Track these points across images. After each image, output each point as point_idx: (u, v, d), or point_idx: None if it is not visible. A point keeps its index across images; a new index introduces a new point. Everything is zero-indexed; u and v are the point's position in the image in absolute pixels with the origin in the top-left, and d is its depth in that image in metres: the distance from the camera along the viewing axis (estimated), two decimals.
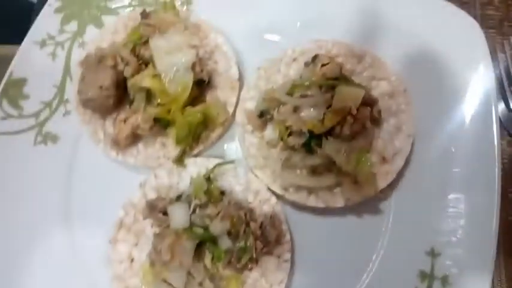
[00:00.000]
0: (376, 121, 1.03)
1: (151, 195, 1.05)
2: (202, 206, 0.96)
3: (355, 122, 0.96)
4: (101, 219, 1.05)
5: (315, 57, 1.02)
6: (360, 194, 0.99)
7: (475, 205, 0.99)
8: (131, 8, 1.23)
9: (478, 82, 1.07)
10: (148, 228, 1.03)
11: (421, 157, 1.04)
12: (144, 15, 1.06)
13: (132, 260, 1.03)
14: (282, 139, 1.00)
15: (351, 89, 0.96)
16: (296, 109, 0.97)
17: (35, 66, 1.19)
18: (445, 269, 0.96)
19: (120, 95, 1.07)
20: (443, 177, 1.02)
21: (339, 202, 1.02)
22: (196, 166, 1.07)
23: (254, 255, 0.94)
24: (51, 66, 1.20)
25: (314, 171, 1.01)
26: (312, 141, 0.97)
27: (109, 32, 1.18)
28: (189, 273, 0.92)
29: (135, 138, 1.08)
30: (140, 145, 1.10)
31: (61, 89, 1.19)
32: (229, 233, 0.94)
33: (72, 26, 1.22)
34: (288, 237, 1.00)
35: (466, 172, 1.02)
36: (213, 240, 0.93)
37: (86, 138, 1.14)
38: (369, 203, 1.03)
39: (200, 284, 0.92)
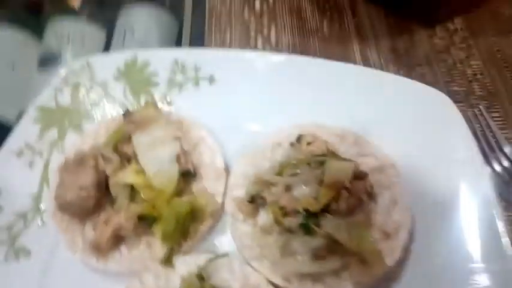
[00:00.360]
0: (370, 195, 1.00)
1: None
2: None
3: (350, 196, 0.92)
4: None
5: (299, 138, 1.03)
6: (369, 274, 0.90)
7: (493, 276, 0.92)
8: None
9: (462, 154, 1.07)
10: None
11: (425, 229, 0.99)
12: (127, 114, 1.07)
13: None
14: (277, 222, 0.94)
15: (340, 163, 0.95)
16: (288, 188, 0.94)
17: (11, 176, 1.14)
18: None
19: (101, 196, 1.02)
20: (452, 249, 0.96)
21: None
22: (186, 265, 0.97)
23: None
24: (28, 175, 1.14)
25: (316, 255, 0.94)
26: (309, 221, 0.91)
27: (90, 137, 1.16)
28: None
29: (117, 240, 1.00)
30: (123, 248, 1.01)
31: (37, 198, 1.12)
32: None
33: (52, 133, 1.21)
34: None
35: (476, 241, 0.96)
36: None
37: (62, 249, 1.05)
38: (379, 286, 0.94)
39: None
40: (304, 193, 0.92)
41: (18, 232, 1.07)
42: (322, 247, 0.92)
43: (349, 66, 1.26)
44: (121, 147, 1.03)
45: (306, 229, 0.91)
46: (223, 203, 1.06)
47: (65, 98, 1.26)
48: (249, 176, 1.07)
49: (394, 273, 0.95)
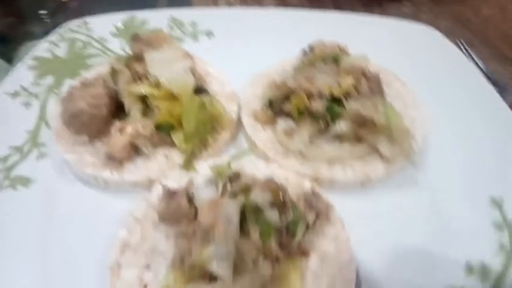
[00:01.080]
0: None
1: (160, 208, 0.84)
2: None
3: (368, 80, 0.95)
4: (90, 260, 0.82)
5: (311, 46, 1.06)
6: (400, 151, 0.90)
7: None
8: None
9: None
10: (162, 244, 0.79)
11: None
12: (136, 36, 1.06)
13: (145, 286, 0.75)
14: (299, 112, 0.93)
15: (354, 58, 0.99)
16: (309, 79, 0.95)
17: (5, 114, 1.06)
18: None
19: (112, 109, 0.96)
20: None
21: (379, 169, 0.91)
22: (209, 170, 0.91)
23: (308, 227, 0.76)
24: (24, 114, 1.07)
25: (343, 141, 0.93)
26: (334, 106, 0.92)
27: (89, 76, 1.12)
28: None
29: (133, 150, 0.93)
30: (139, 160, 0.94)
31: (34, 133, 1.03)
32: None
33: (48, 80, 1.16)
34: (336, 215, 0.83)
35: None
36: (257, 214, 0.74)
37: (67, 176, 0.96)
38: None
39: (252, 266, 0.67)
40: (326, 81, 0.93)
41: (13, 164, 0.97)
42: (349, 131, 0.92)
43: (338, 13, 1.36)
44: (132, 65, 1.01)
45: (332, 113, 0.91)
46: (238, 121, 1.04)
47: (62, 50, 1.23)
48: (259, 95, 1.08)
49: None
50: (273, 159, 0.94)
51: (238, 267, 0.67)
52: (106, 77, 1.01)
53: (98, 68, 1.15)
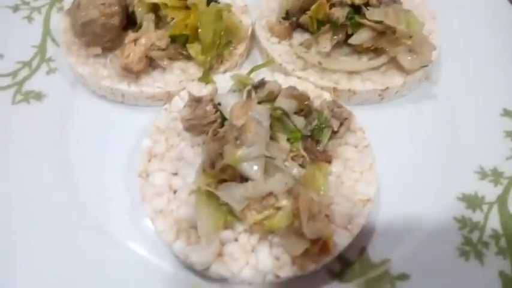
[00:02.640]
0: None
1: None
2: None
3: None
4: (111, 170, 0.84)
5: None
6: (419, 61, 0.90)
7: None
8: None
9: None
10: (188, 151, 0.80)
11: None
12: None
13: (175, 192, 0.76)
14: (319, 21, 0.91)
15: None
16: None
17: (8, 28, 1.01)
18: None
19: (123, 19, 0.93)
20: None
21: (397, 80, 0.92)
22: (227, 82, 0.90)
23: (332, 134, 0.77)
24: (27, 29, 1.03)
25: (363, 53, 0.93)
26: (355, 15, 0.89)
27: None
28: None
29: (149, 62, 0.91)
30: (155, 73, 0.93)
31: (41, 48, 1.00)
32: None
33: None
34: (356, 123, 0.84)
35: None
36: (283, 120, 0.74)
37: (80, 90, 0.95)
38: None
39: (282, 166, 0.69)
40: None
41: (23, 79, 0.95)
42: (369, 41, 0.90)
43: None
44: None
45: (353, 22, 0.89)
46: (251, 35, 1.02)
47: None
48: (273, 8, 1.04)
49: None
50: (291, 72, 0.93)
51: (268, 169, 0.69)
52: None
53: None
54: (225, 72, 0.95)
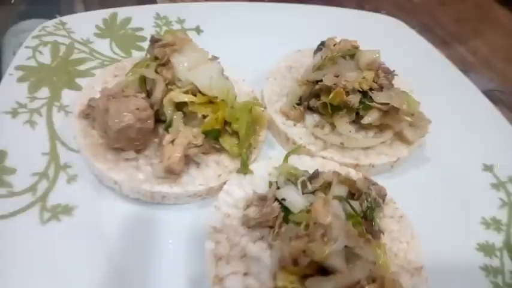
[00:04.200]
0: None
1: (232, 212, 0.86)
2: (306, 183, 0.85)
3: (384, 72, 1.07)
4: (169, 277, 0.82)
5: (322, 43, 1.14)
6: (420, 133, 1.06)
7: None
8: (104, 67, 1.12)
9: None
10: (251, 247, 0.82)
11: None
12: (155, 39, 1.00)
13: None
14: (334, 106, 1.01)
15: (368, 51, 1.09)
16: (337, 75, 1.03)
17: (12, 136, 0.92)
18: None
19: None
20: None
21: (403, 151, 1.06)
22: (263, 169, 0.95)
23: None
24: (32, 135, 0.95)
25: (373, 131, 1.05)
26: (364, 100, 1.02)
27: (95, 86, 1.03)
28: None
29: (186, 161, 0.91)
30: (191, 170, 0.93)
31: (53, 154, 0.93)
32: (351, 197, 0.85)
33: (44, 92, 1.03)
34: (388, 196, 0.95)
35: None
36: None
37: (108, 194, 0.90)
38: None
39: (359, 253, 0.76)
40: (352, 77, 1.02)
41: (45, 192, 0.87)
42: (377, 120, 1.03)
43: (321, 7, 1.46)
44: (161, 71, 0.96)
45: (365, 105, 1.02)
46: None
47: (45, 57, 1.09)
48: (279, 92, 1.13)
49: None
50: (314, 153, 1.01)
51: (348, 258, 0.75)
52: (133, 84, 0.95)
53: (101, 75, 1.06)
54: (254, 159, 0.99)
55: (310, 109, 1.09)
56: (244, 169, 0.94)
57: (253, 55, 1.22)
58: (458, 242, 0.96)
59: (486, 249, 0.96)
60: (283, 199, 0.81)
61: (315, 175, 0.85)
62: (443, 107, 1.21)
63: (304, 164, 0.97)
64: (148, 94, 0.95)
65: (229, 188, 0.91)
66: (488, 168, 1.12)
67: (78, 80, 1.08)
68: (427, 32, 1.59)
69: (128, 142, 0.88)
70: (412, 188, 1.05)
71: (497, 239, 0.98)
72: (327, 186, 0.84)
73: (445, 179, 1.08)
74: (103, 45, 1.18)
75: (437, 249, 0.92)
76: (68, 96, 1.04)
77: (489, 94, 1.34)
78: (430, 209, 1.01)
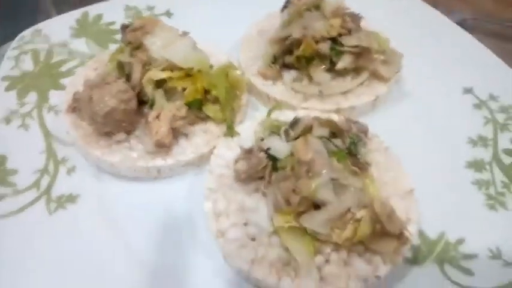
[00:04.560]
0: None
1: (226, 172, 0.91)
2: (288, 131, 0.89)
3: (350, 17, 1.10)
4: (179, 242, 0.88)
5: (288, 0, 1.16)
6: (394, 69, 1.08)
7: None
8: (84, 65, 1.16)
9: None
10: (249, 200, 0.87)
11: None
12: (125, 26, 1.04)
13: (253, 239, 0.82)
14: (308, 57, 1.04)
15: (332, 1, 1.11)
16: (305, 28, 1.06)
17: (8, 141, 0.98)
18: None
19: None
20: None
21: (382, 89, 1.09)
22: (249, 130, 0.99)
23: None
24: (27, 137, 1.00)
25: (347, 74, 1.09)
26: (335, 46, 1.05)
27: (78, 81, 1.07)
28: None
29: (174, 133, 0.96)
30: (181, 142, 0.98)
31: (50, 151, 0.98)
32: (333, 136, 0.89)
33: (32, 96, 1.08)
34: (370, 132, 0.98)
35: None
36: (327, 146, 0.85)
37: (108, 178, 0.96)
38: None
39: (346, 183, 0.80)
40: (320, 26, 1.05)
41: (48, 186, 0.92)
42: (351, 63, 1.06)
43: None
44: (136, 54, 1.00)
45: (336, 51, 1.04)
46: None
47: (27, 64, 1.14)
48: (254, 57, 1.16)
49: None
50: (296, 106, 1.05)
51: (336, 190, 0.79)
52: (113, 72, 1.00)
53: (83, 71, 1.10)
54: (240, 122, 1.03)
55: (286, 66, 1.12)
56: (230, 132, 0.98)
57: (225, 27, 1.27)
58: (447, 164, 1.00)
59: (475, 165, 1.00)
60: (269, 148, 0.85)
61: (295, 122, 0.88)
62: (416, 41, 1.24)
63: (288, 118, 1.00)
64: (128, 78, 0.99)
65: (219, 151, 0.95)
66: (468, 90, 1.14)
67: (62, 81, 1.13)
68: None
69: (116, 125, 0.93)
70: (395, 122, 1.08)
71: (485, 154, 1.02)
72: (308, 131, 0.88)
73: (427, 109, 1.11)
74: (80, 45, 1.22)
75: (426, 173, 0.96)
76: (55, 96, 1.09)
77: (462, 24, 1.36)
78: (415, 140, 1.04)
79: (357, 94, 1.08)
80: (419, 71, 1.17)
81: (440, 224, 0.90)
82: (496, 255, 0.85)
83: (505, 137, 1.04)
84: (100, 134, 0.96)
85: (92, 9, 1.29)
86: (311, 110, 1.04)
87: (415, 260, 0.85)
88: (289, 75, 1.11)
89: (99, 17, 1.28)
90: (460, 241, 0.87)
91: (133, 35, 1.02)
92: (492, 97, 1.12)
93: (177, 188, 0.95)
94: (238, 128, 1.00)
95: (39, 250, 0.83)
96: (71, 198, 0.91)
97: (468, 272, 0.83)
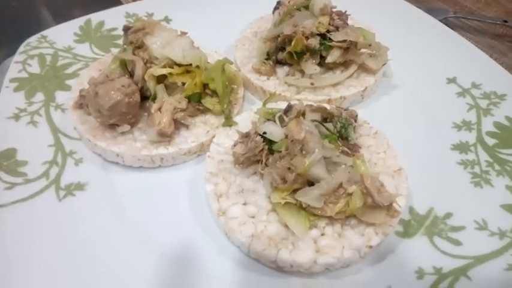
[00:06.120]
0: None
1: (225, 158, 0.96)
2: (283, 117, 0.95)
3: (338, 15, 1.17)
4: (184, 223, 0.92)
5: (278, 2, 1.24)
6: (381, 61, 1.15)
7: None
8: (88, 67, 1.23)
9: None
10: (246, 182, 0.92)
11: None
12: (127, 27, 1.11)
13: (253, 217, 0.87)
14: (299, 52, 1.11)
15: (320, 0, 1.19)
16: (295, 25, 1.13)
17: (18, 136, 1.03)
18: None
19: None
20: None
21: (370, 80, 1.16)
22: (246, 120, 1.05)
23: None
24: (36, 132, 1.05)
25: (337, 68, 1.15)
26: (324, 41, 1.12)
27: (84, 81, 1.14)
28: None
29: (175, 124, 1.01)
30: (182, 132, 1.03)
31: (58, 145, 1.04)
32: (325, 121, 0.95)
33: (39, 96, 1.14)
34: (360, 118, 1.04)
35: None
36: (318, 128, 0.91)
37: (114, 169, 1.01)
38: None
39: (338, 160, 0.85)
40: (309, 23, 1.12)
41: (57, 176, 0.98)
42: (340, 57, 1.13)
43: None
44: (137, 53, 1.07)
45: (326, 46, 1.11)
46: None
47: (34, 68, 1.21)
48: (249, 56, 1.23)
49: None
50: (290, 98, 1.11)
51: (328, 167, 0.84)
52: (116, 69, 1.06)
53: (87, 72, 1.17)
54: (237, 113, 1.09)
55: (279, 62, 1.19)
56: (228, 122, 1.04)
57: (221, 29, 1.35)
58: (434, 147, 1.06)
59: (461, 147, 1.05)
60: (265, 132, 0.90)
61: (289, 108, 0.94)
62: (402, 38, 1.32)
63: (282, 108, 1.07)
64: (131, 75, 1.06)
65: (218, 139, 1.01)
66: (451, 80, 1.21)
67: (68, 82, 1.19)
68: None
69: (120, 116, 0.99)
70: (383, 111, 1.15)
71: (469, 137, 1.08)
72: (301, 116, 0.94)
73: (413, 98, 1.18)
74: (84, 49, 1.29)
75: (415, 156, 1.02)
76: (61, 96, 1.15)
77: (445, 22, 1.44)
78: (402, 126, 1.10)
79: (347, 86, 1.15)
80: (405, 63, 1.25)
81: (429, 200, 0.95)
82: (482, 227, 0.90)
83: (488, 121, 1.11)
84: (105, 126, 1.01)
85: (95, 17, 1.36)
86: (304, 101, 1.10)
87: (406, 233, 0.90)
88: (282, 70, 1.18)
89: (101, 23, 1.36)
90: (448, 215, 0.92)
91: (135, 36, 1.09)
92: (475, 85, 1.19)
93: (180, 175, 1.01)
94: (235, 118, 1.06)
95: (49, 234, 0.87)
96: (79, 186, 0.96)
97: (456, 243, 0.88)
